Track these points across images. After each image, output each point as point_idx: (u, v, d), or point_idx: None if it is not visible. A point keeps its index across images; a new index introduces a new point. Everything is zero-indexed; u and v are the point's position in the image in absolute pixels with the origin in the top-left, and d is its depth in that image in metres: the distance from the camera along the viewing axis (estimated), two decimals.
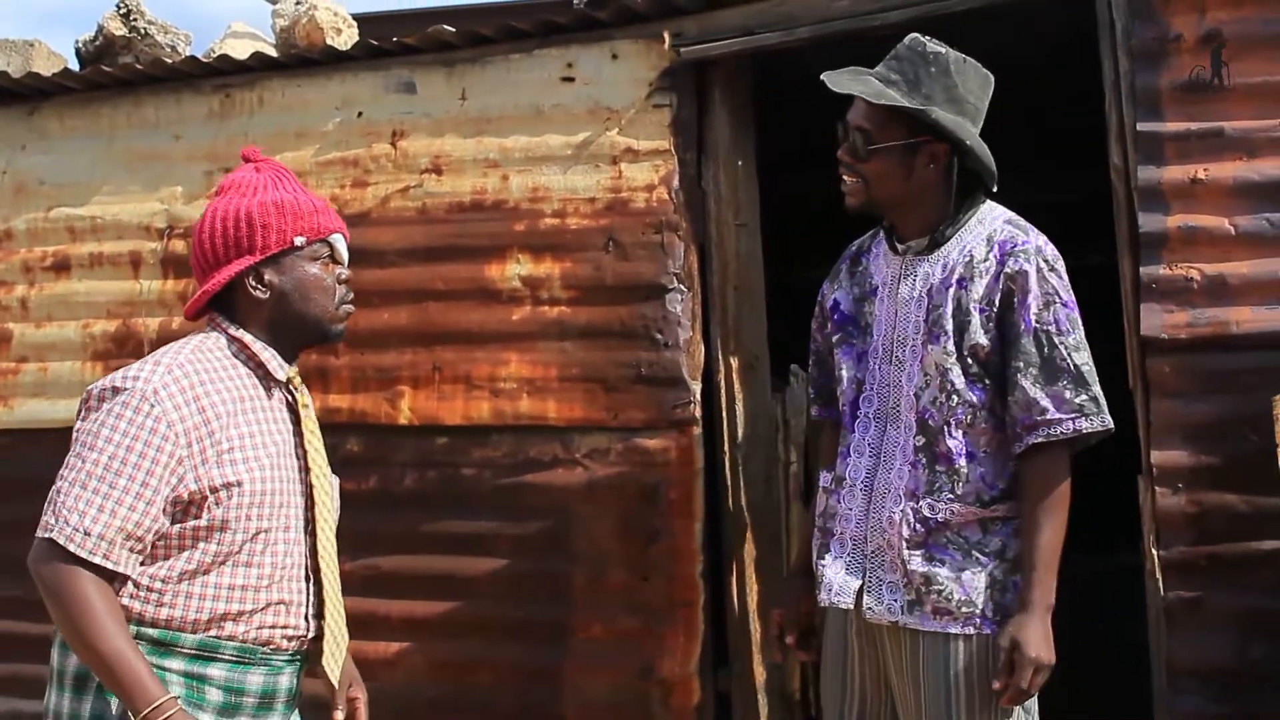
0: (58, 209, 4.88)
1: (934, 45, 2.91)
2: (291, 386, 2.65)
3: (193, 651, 2.47)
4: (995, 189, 2.95)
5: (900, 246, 2.98)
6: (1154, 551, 3.61)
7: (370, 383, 4.44)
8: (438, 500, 4.35)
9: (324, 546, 2.61)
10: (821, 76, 2.92)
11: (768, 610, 4.00)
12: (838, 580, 2.95)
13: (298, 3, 5.03)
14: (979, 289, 2.86)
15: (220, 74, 4.72)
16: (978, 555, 2.87)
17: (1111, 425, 2.84)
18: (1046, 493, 2.82)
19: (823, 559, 3.01)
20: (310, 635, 2.63)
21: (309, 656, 2.66)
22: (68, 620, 2.37)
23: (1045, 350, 2.82)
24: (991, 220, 2.94)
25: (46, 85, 4.90)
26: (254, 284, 2.57)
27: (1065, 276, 2.88)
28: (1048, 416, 2.80)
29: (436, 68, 4.47)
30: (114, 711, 2.41)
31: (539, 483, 4.24)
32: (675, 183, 4.16)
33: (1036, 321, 2.82)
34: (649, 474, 4.13)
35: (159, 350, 2.55)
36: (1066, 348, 2.82)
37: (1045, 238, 2.91)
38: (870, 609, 2.91)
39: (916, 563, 2.87)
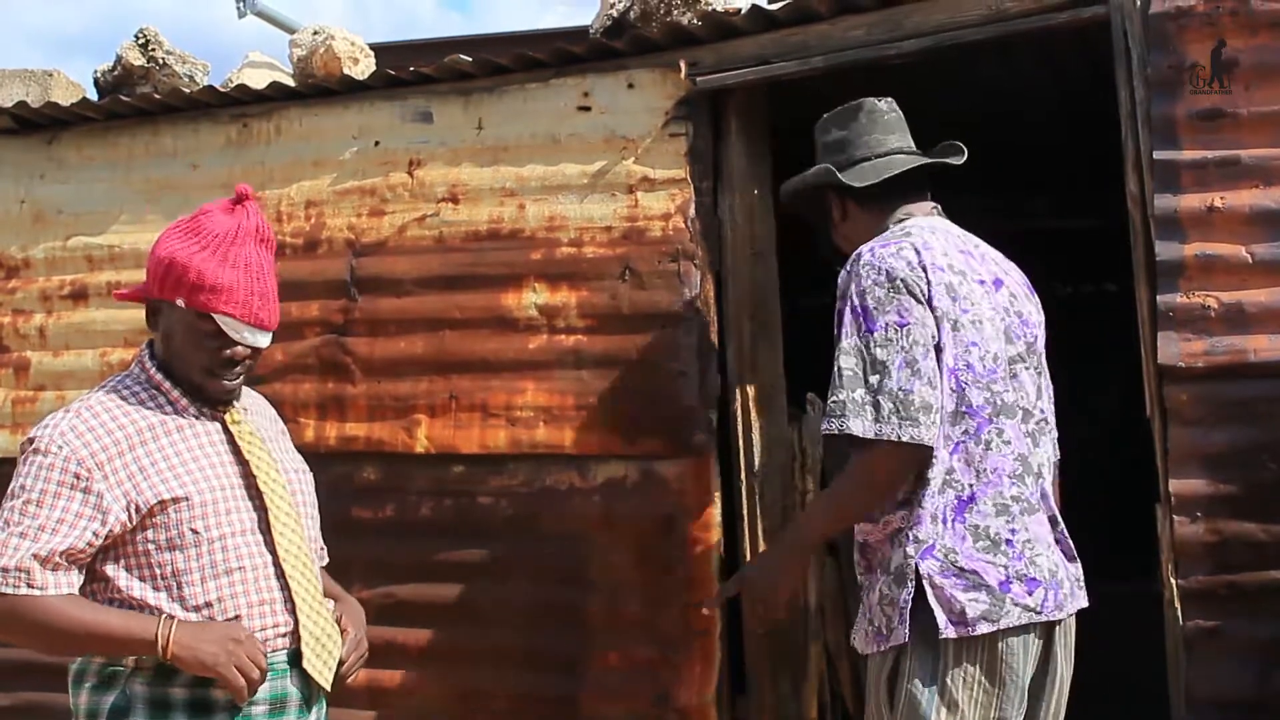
0: (76, 238, 4.91)
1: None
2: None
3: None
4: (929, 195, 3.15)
5: None
6: (1173, 580, 3.59)
7: (387, 411, 4.45)
8: (454, 528, 4.34)
9: (284, 547, 2.67)
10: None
11: (788, 639, 4.01)
12: None
13: (315, 33, 5.04)
14: None
15: (238, 103, 4.75)
16: (879, 572, 2.89)
17: (843, 430, 2.78)
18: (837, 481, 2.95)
19: None
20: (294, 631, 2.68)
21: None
22: (33, 643, 2.56)
23: (836, 351, 2.87)
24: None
25: (65, 115, 4.93)
26: (152, 315, 2.72)
27: (877, 280, 2.85)
28: (826, 415, 2.85)
29: (453, 97, 4.49)
30: None
31: (555, 511, 4.24)
32: (691, 211, 4.17)
33: (837, 325, 2.89)
34: (665, 502, 4.12)
35: (80, 396, 2.71)
36: (841, 351, 2.85)
37: (890, 250, 2.91)
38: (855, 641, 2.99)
39: (864, 588, 2.96)
